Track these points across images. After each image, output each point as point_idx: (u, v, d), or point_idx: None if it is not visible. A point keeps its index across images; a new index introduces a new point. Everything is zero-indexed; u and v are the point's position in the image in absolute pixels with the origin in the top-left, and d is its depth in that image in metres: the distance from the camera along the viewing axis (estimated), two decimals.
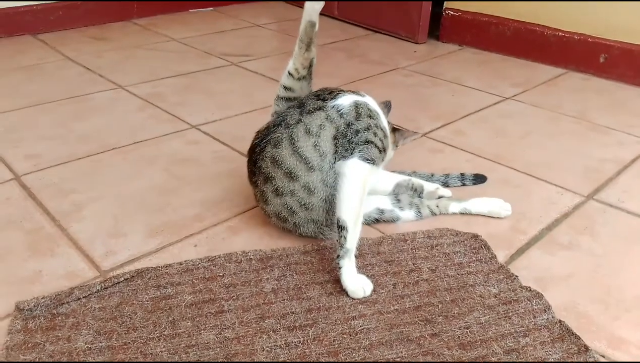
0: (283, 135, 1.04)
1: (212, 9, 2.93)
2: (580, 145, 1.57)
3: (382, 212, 1.17)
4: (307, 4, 1.07)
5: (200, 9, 2.90)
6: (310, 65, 1.11)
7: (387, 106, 1.23)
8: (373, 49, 2.39)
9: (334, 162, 1.03)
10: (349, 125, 1.04)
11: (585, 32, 2.09)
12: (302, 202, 1.04)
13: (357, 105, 1.06)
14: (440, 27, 2.48)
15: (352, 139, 1.03)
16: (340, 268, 0.98)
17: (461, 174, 1.36)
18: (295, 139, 1.03)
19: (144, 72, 2.04)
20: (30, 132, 1.57)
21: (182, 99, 1.82)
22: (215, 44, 2.39)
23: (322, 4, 1.07)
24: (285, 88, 1.12)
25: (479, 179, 1.36)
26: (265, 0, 3.17)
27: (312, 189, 1.03)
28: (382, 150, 1.08)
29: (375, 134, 1.05)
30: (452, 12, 2.42)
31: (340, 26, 2.65)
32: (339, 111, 1.04)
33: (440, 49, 2.41)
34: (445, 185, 1.33)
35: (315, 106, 1.06)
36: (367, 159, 1.02)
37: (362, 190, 1.01)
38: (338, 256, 0.98)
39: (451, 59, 2.30)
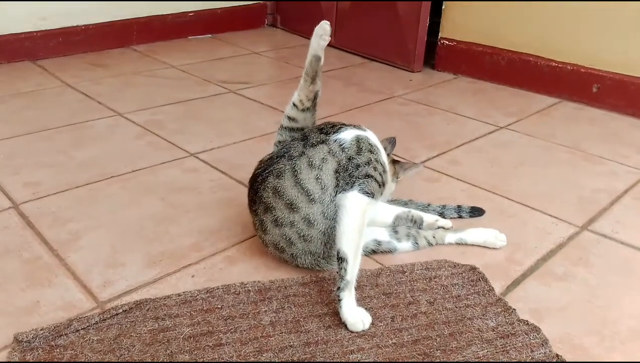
0: (286, 167, 1.06)
1: (210, 35, 2.97)
2: (574, 175, 1.59)
3: (379, 243, 1.19)
4: (313, 39, 1.10)
5: (199, 36, 2.94)
6: (315, 98, 1.13)
7: (391, 142, 1.26)
8: (369, 78, 2.43)
9: (335, 195, 1.04)
10: (350, 159, 1.06)
11: (578, 62, 2.13)
12: (301, 234, 1.06)
13: (358, 140, 1.08)
14: (436, 56, 2.52)
15: (353, 173, 1.05)
16: (340, 300, 0.98)
17: (458, 205, 1.37)
18: (298, 171, 1.05)
19: (143, 99, 2.05)
20: (29, 159, 1.58)
21: (181, 126, 1.84)
22: (213, 71, 2.42)
23: (327, 40, 1.09)
24: (290, 118, 1.14)
25: (477, 211, 1.37)
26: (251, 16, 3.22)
27: (312, 221, 1.04)
28: (382, 184, 1.10)
29: (375, 169, 1.08)
30: (447, 42, 2.47)
31: (337, 54, 2.69)
32: (341, 145, 1.07)
33: (436, 78, 2.45)
34: (442, 215, 1.34)
35: (319, 140, 1.08)
36: (367, 192, 1.04)
37: (361, 222, 1.02)
38: (338, 288, 0.99)
39: (446, 88, 2.33)
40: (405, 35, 2.48)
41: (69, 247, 1.20)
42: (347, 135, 1.08)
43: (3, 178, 1.47)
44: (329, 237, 1.06)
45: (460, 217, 1.35)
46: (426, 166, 1.62)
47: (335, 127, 1.10)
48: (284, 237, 1.07)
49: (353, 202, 1.02)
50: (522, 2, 2.20)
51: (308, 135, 1.10)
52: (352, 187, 1.04)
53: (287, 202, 1.05)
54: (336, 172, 1.05)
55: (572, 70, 2.15)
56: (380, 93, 2.23)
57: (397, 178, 1.23)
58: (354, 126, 1.13)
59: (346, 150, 1.06)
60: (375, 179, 1.07)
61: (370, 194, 1.05)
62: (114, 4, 2.60)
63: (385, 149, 1.22)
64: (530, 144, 1.80)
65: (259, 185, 1.09)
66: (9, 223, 1.28)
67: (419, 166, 1.29)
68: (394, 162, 1.22)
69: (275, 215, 1.06)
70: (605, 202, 1.45)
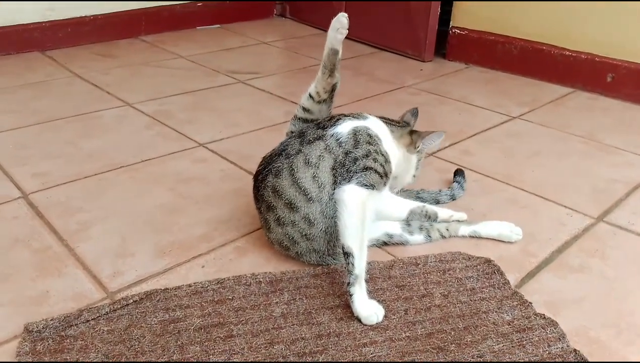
0: (283, 165, 1.04)
1: (219, 25, 2.95)
2: (589, 166, 1.57)
3: (391, 236, 1.17)
4: (330, 32, 1.07)
5: (207, 26, 2.92)
6: (333, 90, 1.11)
7: (414, 114, 1.23)
8: (380, 67, 2.40)
9: (333, 193, 1.02)
10: (347, 153, 1.03)
11: (592, 51, 2.09)
12: (303, 233, 1.04)
13: (355, 133, 1.06)
14: (447, 45, 2.49)
15: (351, 167, 1.02)
16: (351, 295, 0.97)
17: (456, 181, 1.40)
18: (295, 169, 1.02)
19: (152, 90, 2.04)
20: (38, 149, 1.57)
21: (190, 116, 1.83)
22: (222, 61, 2.40)
23: (344, 33, 1.07)
24: (304, 109, 1.12)
25: (461, 174, 1.42)
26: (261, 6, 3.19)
27: (312, 221, 1.03)
28: (384, 175, 1.06)
29: (375, 160, 1.04)
30: (458, 31, 2.43)
31: (346, 44, 2.63)
32: (338, 140, 1.04)
33: (447, 67, 2.42)
34: (453, 198, 1.35)
35: (315, 136, 1.05)
36: (366, 185, 1.01)
37: (362, 215, 0.99)
38: (348, 283, 0.97)
39: (458, 77, 2.30)
40: (416, 24, 2.44)
41: (79, 237, 1.19)
42: (344, 128, 1.06)
43: (12, 168, 1.46)
44: (332, 235, 1.04)
45: (463, 189, 1.39)
46: (438, 157, 1.60)
47: (333, 120, 1.08)
48: (287, 236, 1.06)
49: (350, 195, 1.00)
50: None
51: (305, 131, 1.08)
52: (349, 181, 1.01)
53: (287, 201, 1.03)
54: (333, 169, 1.02)
55: (586, 59, 2.11)
56: (390, 83, 2.20)
57: (416, 148, 1.17)
58: (354, 116, 1.10)
59: (343, 144, 1.04)
60: (376, 171, 1.03)
61: (370, 186, 1.02)
62: None
63: (408, 122, 1.20)
64: (544, 134, 1.77)
65: (260, 183, 1.08)
66: (18, 213, 1.27)
67: (439, 134, 1.17)
68: (411, 133, 1.18)
69: (277, 214, 1.05)
70: (621, 193, 1.42)
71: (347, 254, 0.98)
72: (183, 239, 1.19)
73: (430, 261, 1.10)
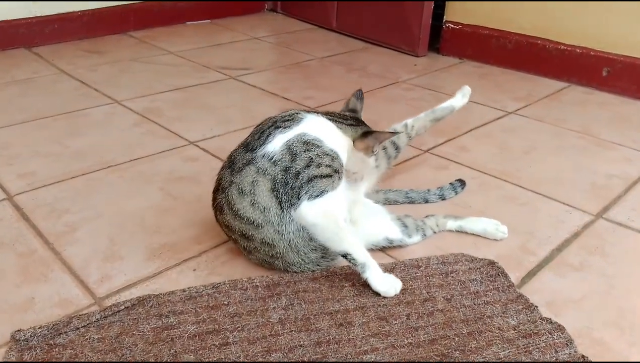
0: (222, 201, 1.02)
1: (209, 21, 2.91)
2: (586, 161, 1.55)
3: (391, 241, 1.14)
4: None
5: (197, 21, 2.87)
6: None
7: (358, 98, 1.17)
8: (373, 62, 2.37)
9: (283, 212, 0.98)
10: (286, 170, 0.98)
11: (587, 45, 2.08)
12: (270, 254, 1.02)
13: (289, 146, 0.99)
14: (441, 40, 2.46)
15: (294, 183, 0.97)
16: (366, 279, 0.99)
17: (450, 183, 1.37)
18: (232, 202, 1.00)
19: (141, 86, 2.00)
20: (24, 148, 1.53)
21: (180, 114, 1.79)
22: (212, 57, 2.36)
23: None
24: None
25: (462, 183, 1.39)
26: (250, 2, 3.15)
27: (271, 243, 1.00)
28: (334, 173, 1.00)
29: (318, 165, 0.98)
30: (452, 25, 2.41)
31: (338, 39, 2.63)
32: (271, 159, 0.98)
33: (441, 62, 2.39)
34: (442, 198, 1.33)
35: (244, 161, 1.00)
36: (317, 195, 0.98)
37: (332, 221, 0.99)
38: (360, 273, 0.99)
39: (452, 72, 2.28)
40: (410, 19, 2.41)
41: (65, 239, 1.15)
42: (275, 145, 0.99)
43: None
44: (298, 246, 1.01)
45: (456, 193, 1.36)
46: (434, 153, 1.57)
47: (262, 138, 1.01)
48: (261, 259, 1.05)
49: (311, 215, 0.97)
50: None
51: (235, 158, 1.03)
52: (298, 198, 0.97)
53: (239, 233, 1.01)
54: (273, 190, 0.97)
55: (581, 53, 2.09)
56: (384, 78, 2.17)
57: (374, 152, 1.10)
58: (285, 126, 1.02)
59: (279, 162, 0.98)
60: (321, 176, 0.98)
61: (322, 193, 0.98)
62: None
63: (355, 109, 1.16)
64: (540, 129, 1.75)
65: (216, 218, 1.08)
66: (3, 215, 1.23)
67: (397, 136, 1.18)
68: (365, 135, 1.07)
69: (241, 244, 1.05)
70: (620, 189, 1.41)
71: (344, 255, 0.98)
72: (174, 241, 1.16)
73: (432, 263, 1.07)
